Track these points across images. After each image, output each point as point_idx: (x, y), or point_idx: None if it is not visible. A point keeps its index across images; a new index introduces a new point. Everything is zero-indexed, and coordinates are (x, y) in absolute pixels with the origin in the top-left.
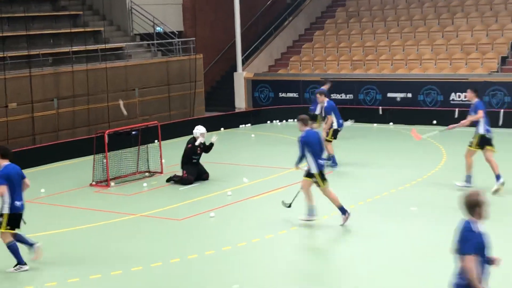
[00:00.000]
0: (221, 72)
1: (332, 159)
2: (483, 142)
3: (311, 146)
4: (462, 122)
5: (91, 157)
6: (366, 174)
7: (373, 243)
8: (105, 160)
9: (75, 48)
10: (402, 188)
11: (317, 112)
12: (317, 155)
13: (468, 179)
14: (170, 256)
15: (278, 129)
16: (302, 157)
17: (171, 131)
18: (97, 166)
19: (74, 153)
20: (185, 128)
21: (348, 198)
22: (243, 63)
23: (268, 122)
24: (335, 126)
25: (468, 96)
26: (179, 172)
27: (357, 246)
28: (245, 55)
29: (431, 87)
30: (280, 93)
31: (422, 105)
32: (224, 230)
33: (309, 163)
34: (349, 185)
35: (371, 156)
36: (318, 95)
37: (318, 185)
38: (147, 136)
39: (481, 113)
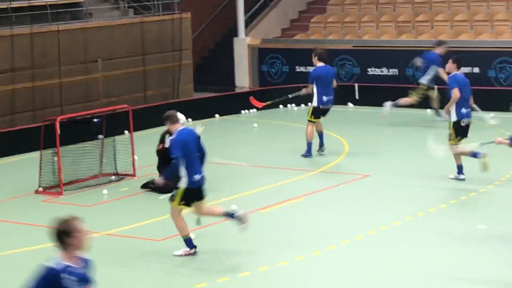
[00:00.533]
0: (216, 37)
1: (308, 147)
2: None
3: (186, 150)
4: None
5: (37, 153)
6: (414, 181)
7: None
8: (56, 158)
9: (15, 4)
10: (464, 198)
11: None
12: (193, 165)
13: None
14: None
15: (294, 116)
16: (174, 169)
17: (147, 119)
18: (46, 166)
19: (13, 149)
20: None
21: (392, 212)
22: (246, 25)
23: (281, 106)
24: (314, 103)
25: (448, 68)
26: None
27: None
28: (249, 14)
29: (506, 59)
30: (297, 67)
31: (493, 83)
32: (222, 255)
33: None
34: (393, 195)
35: (419, 151)
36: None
37: (172, 200)
38: (114, 125)
39: (456, 93)
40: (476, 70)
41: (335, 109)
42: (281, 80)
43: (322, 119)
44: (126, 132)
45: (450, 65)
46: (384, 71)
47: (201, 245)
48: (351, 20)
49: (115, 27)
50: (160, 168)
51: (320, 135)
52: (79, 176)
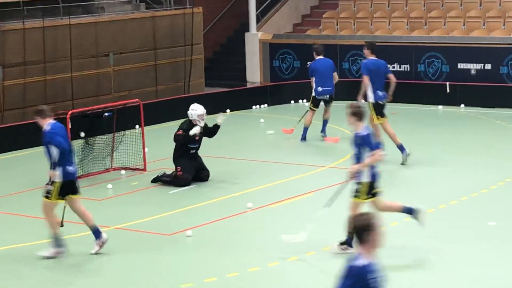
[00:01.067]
0: (228, 32)
1: (303, 132)
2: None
3: (58, 145)
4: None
5: None
6: (428, 176)
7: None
8: None
9: None
10: (476, 195)
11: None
12: (66, 160)
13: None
14: (156, 285)
15: (306, 111)
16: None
17: (158, 113)
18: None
19: (24, 142)
20: (177, 109)
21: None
22: (257, 20)
23: (292, 102)
24: (312, 93)
25: (365, 54)
26: (170, 169)
27: (418, 274)
28: (261, 9)
29: None
30: (308, 62)
31: (506, 80)
32: (227, 250)
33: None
34: (404, 190)
35: (434, 150)
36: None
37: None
38: (125, 119)
39: (365, 80)
40: (488, 66)
41: (345, 105)
42: (292, 75)
43: (328, 108)
44: (137, 126)
45: (365, 51)
46: (396, 67)
47: (210, 239)
48: (363, 16)
49: (127, 21)
50: (176, 160)
51: (324, 122)
52: (89, 170)
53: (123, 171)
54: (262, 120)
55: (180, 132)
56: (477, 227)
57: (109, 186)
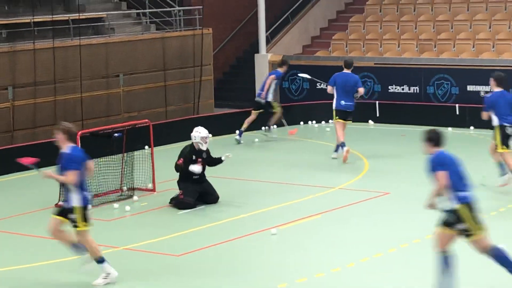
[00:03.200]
0: (238, 53)
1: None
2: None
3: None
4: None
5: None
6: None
7: None
8: None
9: (38, 18)
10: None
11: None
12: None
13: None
14: None
15: (315, 133)
16: None
17: (167, 134)
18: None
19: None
20: (186, 130)
21: (412, 229)
22: (267, 41)
23: (302, 123)
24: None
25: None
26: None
27: None
28: (270, 30)
29: None
30: (318, 84)
31: None
32: (235, 272)
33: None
34: (413, 213)
35: None
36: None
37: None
38: (134, 140)
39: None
40: (498, 88)
41: (355, 126)
42: (301, 97)
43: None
44: (147, 147)
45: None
46: (405, 89)
47: (219, 260)
48: (373, 38)
49: (137, 42)
50: (180, 183)
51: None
52: (99, 191)
53: (135, 197)
54: (256, 140)
55: (181, 161)
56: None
57: (127, 208)
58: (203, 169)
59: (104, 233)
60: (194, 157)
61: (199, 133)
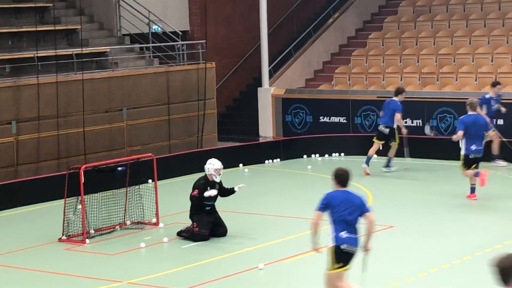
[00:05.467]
0: (241, 87)
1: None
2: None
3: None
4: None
5: (61, 202)
6: (438, 232)
7: None
8: (80, 207)
9: (41, 53)
10: (490, 250)
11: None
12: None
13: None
14: None
15: (318, 166)
16: None
17: (171, 168)
18: (70, 214)
19: (38, 196)
20: (190, 164)
21: (417, 263)
22: (270, 75)
23: (305, 156)
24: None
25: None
26: (184, 223)
27: None
28: (273, 64)
29: None
30: (321, 117)
31: None
32: None
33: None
34: (417, 246)
35: (444, 202)
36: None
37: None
38: (138, 174)
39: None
40: (501, 122)
41: (357, 159)
42: (305, 130)
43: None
44: (150, 180)
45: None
46: (408, 122)
47: None
48: (375, 71)
49: (141, 76)
50: (192, 216)
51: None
52: (102, 225)
53: (142, 244)
54: (246, 170)
55: (196, 192)
56: None
57: (142, 244)
58: (214, 199)
59: (108, 267)
60: (208, 189)
61: (212, 165)
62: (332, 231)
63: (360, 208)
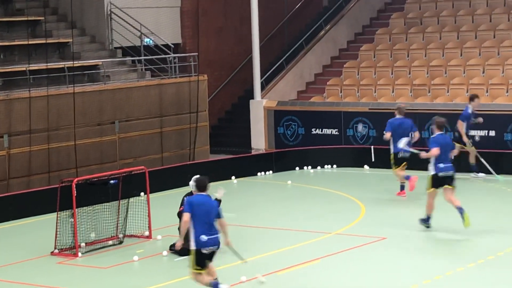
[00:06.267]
0: (233, 99)
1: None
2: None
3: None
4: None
5: (53, 215)
6: (430, 244)
7: None
8: (72, 220)
9: (33, 66)
10: (482, 262)
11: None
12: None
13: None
14: None
15: (310, 178)
16: None
17: (163, 180)
18: (62, 228)
19: (29, 210)
20: (183, 176)
21: (410, 275)
22: (262, 87)
23: (297, 168)
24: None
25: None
26: (176, 236)
27: None
28: (265, 76)
29: None
30: (313, 129)
31: (510, 147)
32: None
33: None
34: (410, 258)
35: (436, 213)
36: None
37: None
38: (130, 186)
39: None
40: (492, 133)
41: (350, 171)
42: (297, 142)
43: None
44: (142, 193)
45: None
46: None
47: None
48: (367, 83)
49: (133, 89)
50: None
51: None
52: (95, 238)
53: (135, 257)
54: (235, 181)
55: (182, 208)
56: None
57: (135, 258)
58: None
59: (100, 281)
60: None
61: None
62: (194, 233)
63: (217, 211)
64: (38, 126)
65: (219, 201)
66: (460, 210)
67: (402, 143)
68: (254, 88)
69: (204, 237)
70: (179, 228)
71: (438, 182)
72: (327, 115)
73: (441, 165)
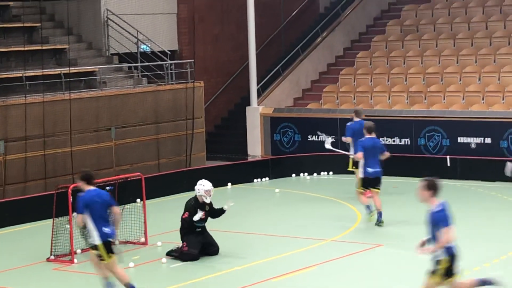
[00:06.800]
0: (229, 106)
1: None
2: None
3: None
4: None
5: (50, 221)
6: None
7: None
8: (68, 226)
9: (29, 73)
10: (477, 269)
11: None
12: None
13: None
14: None
15: (307, 185)
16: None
17: (159, 187)
18: (58, 234)
19: (25, 216)
20: (179, 183)
21: (405, 282)
22: (258, 94)
23: (293, 175)
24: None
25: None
26: (173, 242)
27: None
28: (262, 83)
29: None
30: (309, 136)
31: (507, 154)
32: None
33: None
34: (405, 265)
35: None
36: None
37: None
38: (126, 193)
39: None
40: (488, 140)
41: (345, 178)
42: (293, 149)
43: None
44: (139, 200)
45: None
46: (396, 141)
47: None
48: (363, 90)
49: (129, 96)
50: (183, 236)
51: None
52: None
53: (131, 263)
54: (229, 187)
55: (186, 215)
56: None
57: (131, 264)
58: (205, 220)
59: (96, 287)
60: (198, 211)
61: (203, 186)
62: (94, 228)
63: (109, 202)
64: (34, 132)
65: (224, 211)
66: (370, 209)
67: (328, 142)
68: (251, 95)
69: (105, 229)
70: (181, 231)
71: (366, 183)
72: (323, 122)
73: (369, 169)
